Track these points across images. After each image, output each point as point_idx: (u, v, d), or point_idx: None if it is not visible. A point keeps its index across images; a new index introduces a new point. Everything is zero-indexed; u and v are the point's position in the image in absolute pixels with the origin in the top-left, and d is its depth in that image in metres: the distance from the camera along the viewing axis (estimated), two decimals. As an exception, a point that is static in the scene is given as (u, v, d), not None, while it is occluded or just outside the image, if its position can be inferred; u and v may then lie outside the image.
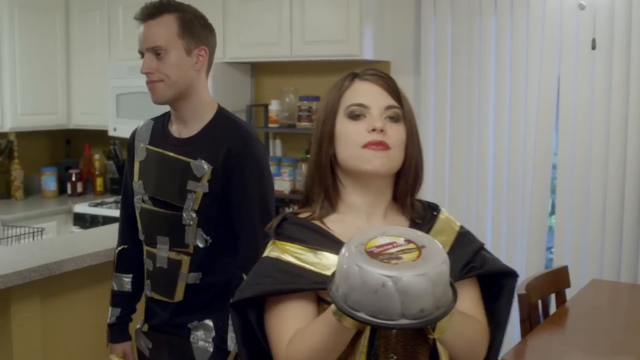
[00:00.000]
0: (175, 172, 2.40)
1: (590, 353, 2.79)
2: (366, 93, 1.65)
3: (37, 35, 5.58)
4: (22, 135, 5.78)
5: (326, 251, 1.59)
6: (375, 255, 1.35)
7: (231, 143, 2.35)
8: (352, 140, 1.62)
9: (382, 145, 1.60)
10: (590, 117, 4.31)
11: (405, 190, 1.70)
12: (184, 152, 2.39)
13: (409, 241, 1.40)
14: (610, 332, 2.99)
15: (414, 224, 1.68)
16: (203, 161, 2.35)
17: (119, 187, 2.54)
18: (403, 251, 1.37)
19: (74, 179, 5.89)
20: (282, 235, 1.66)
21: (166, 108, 2.50)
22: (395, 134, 1.63)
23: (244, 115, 5.26)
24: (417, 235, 1.42)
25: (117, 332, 2.66)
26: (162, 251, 2.45)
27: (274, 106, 5.18)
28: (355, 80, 1.69)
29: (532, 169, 4.50)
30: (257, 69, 5.51)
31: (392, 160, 1.62)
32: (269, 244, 1.68)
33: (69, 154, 6.29)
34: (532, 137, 4.49)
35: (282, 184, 5.06)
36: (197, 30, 2.40)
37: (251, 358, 1.67)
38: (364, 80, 1.67)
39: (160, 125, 2.52)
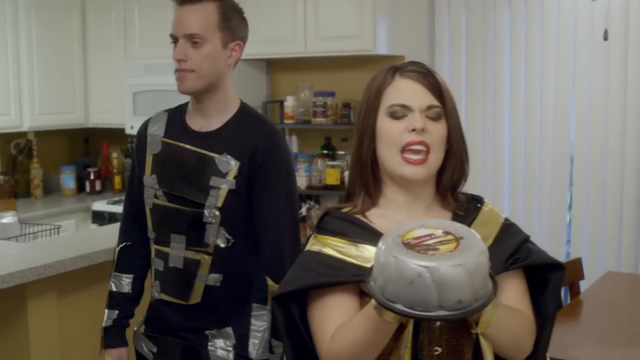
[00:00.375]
0: (197, 167, 2.29)
1: (604, 344, 2.79)
2: (407, 92, 1.64)
3: (54, 35, 5.62)
4: (40, 134, 5.83)
5: (367, 244, 1.59)
6: (412, 246, 1.35)
7: (258, 140, 2.27)
8: (392, 141, 1.63)
9: (421, 147, 1.60)
10: (606, 108, 4.30)
11: (448, 185, 1.70)
12: (205, 147, 2.29)
13: (447, 233, 1.39)
14: (625, 323, 2.98)
15: (456, 217, 1.68)
16: (229, 156, 2.26)
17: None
18: (441, 242, 1.36)
19: (92, 177, 5.93)
20: (323, 229, 1.68)
21: (181, 100, 2.44)
22: (436, 133, 1.62)
23: (260, 112, 5.26)
24: (456, 227, 1.41)
25: (113, 336, 2.51)
26: (177, 250, 2.32)
27: (289, 102, 5.19)
28: (397, 76, 1.67)
29: (550, 162, 4.49)
30: (272, 65, 5.52)
31: (430, 166, 1.63)
32: (311, 238, 1.69)
33: (87, 153, 6.33)
34: (549, 130, 4.48)
35: (298, 180, 5.05)
36: (235, 23, 2.32)
37: (295, 352, 1.68)
38: (406, 77, 1.66)
39: (176, 117, 2.40)
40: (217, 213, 2.26)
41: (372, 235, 1.60)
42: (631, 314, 3.13)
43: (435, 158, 1.63)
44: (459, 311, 1.31)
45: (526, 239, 1.69)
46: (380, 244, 1.39)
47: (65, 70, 5.74)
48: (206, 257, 2.30)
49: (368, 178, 1.69)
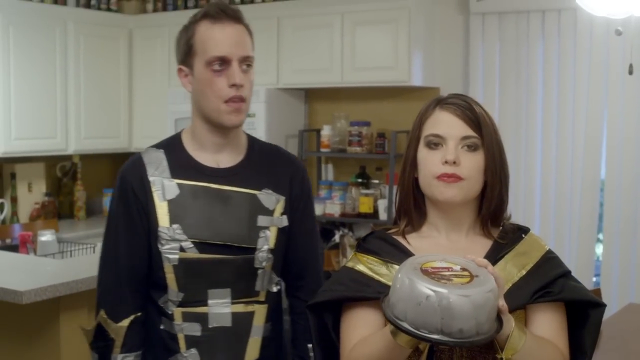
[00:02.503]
0: (238, 208, 2.03)
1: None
2: (444, 123, 1.70)
3: (101, 62, 5.81)
4: (85, 157, 6.01)
5: (398, 264, 1.63)
6: (428, 273, 1.45)
7: (292, 171, 2.14)
8: (427, 170, 1.69)
9: (453, 178, 1.65)
10: (637, 141, 4.31)
11: (486, 214, 1.74)
12: (234, 184, 2.05)
13: (464, 269, 1.48)
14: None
15: (497, 245, 1.73)
16: (270, 191, 2.07)
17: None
18: (455, 275, 1.46)
19: (133, 200, 6.08)
20: (362, 247, 1.77)
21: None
22: (471, 164, 1.67)
23: (297, 140, 5.38)
24: (474, 266, 1.50)
25: None
26: (221, 307, 2.03)
27: (325, 131, 5.30)
28: (437, 108, 1.73)
29: (581, 193, 4.50)
30: (310, 95, 5.64)
31: (465, 189, 1.67)
32: (352, 255, 1.79)
33: (130, 177, 6.48)
34: (580, 161, 4.50)
35: (333, 207, 5.16)
36: None
37: (325, 358, 1.79)
38: (444, 110, 1.71)
39: (178, 154, 2.08)
40: (270, 255, 2.06)
41: (405, 256, 1.64)
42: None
43: (470, 186, 1.67)
44: (459, 340, 1.40)
45: (564, 274, 1.71)
46: (400, 267, 1.50)
47: (111, 96, 5.92)
48: (260, 306, 2.08)
49: (410, 205, 1.76)
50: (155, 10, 6.11)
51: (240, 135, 2.12)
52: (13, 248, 4.35)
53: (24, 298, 2.95)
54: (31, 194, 5.67)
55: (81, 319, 3.21)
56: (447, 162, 1.66)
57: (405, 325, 1.42)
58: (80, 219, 5.92)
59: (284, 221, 2.08)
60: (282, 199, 2.08)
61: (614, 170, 4.40)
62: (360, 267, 1.73)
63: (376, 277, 1.69)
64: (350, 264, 1.76)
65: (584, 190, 4.49)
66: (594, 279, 4.53)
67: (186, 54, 2.03)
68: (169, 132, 5.64)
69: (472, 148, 1.68)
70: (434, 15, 5.02)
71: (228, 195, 2.03)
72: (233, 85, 1.97)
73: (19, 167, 5.57)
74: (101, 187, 6.18)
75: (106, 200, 6.05)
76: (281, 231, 2.07)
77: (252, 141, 2.16)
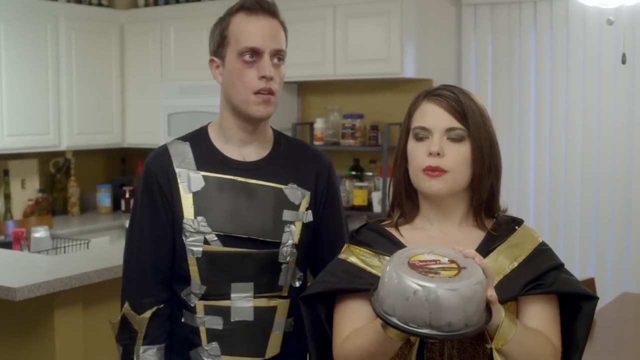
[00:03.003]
0: (264, 202, 2.03)
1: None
2: (429, 115, 1.71)
3: (93, 58, 5.80)
4: (78, 153, 6.00)
5: (389, 256, 1.64)
6: (415, 267, 1.45)
7: (318, 166, 2.13)
8: (414, 162, 1.71)
9: (437, 171, 1.67)
10: (630, 130, 4.32)
11: (477, 205, 1.74)
12: (259, 178, 2.04)
13: (452, 261, 1.48)
14: (635, 341, 2.99)
15: (490, 236, 1.73)
16: (296, 186, 2.06)
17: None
18: (443, 268, 1.46)
19: (127, 195, 6.08)
20: (355, 239, 1.79)
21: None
22: (455, 155, 1.68)
23: (290, 134, 5.37)
24: (462, 257, 1.50)
25: None
26: (244, 301, 2.02)
27: (319, 124, 5.29)
28: (424, 100, 1.74)
29: (575, 184, 4.51)
30: (303, 88, 5.63)
31: (450, 182, 1.68)
32: (345, 247, 1.80)
33: (123, 172, 6.48)
34: (573, 152, 4.50)
35: (327, 201, 5.15)
36: None
37: (319, 352, 1.80)
38: (431, 101, 1.72)
39: (204, 147, 2.09)
40: (295, 250, 2.05)
41: (397, 248, 1.65)
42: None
43: (455, 178, 1.68)
44: (448, 333, 1.40)
45: (556, 266, 1.72)
46: (388, 260, 1.51)
47: (103, 91, 5.91)
48: (282, 301, 2.07)
49: (402, 197, 1.77)
50: (146, 4, 6.09)
51: (267, 130, 2.12)
52: (7, 245, 4.35)
53: (17, 294, 2.93)
54: (24, 191, 5.66)
55: (75, 315, 3.22)
56: (431, 154, 1.67)
57: (394, 320, 1.43)
58: (74, 215, 5.91)
59: (309, 216, 2.08)
60: (308, 194, 2.08)
61: (607, 159, 4.40)
62: (353, 259, 1.74)
63: (368, 268, 1.71)
64: (343, 256, 1.77)
65: (578, 181, 4.49)
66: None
67: (219, 44, 2.04)
68: (162, 128, 5.68)
69: (457, 139, 1.68)
70: (426, 7, 5.02)
71: (253, 188, 2.03)
72: (263, 77, 1.98)
73: (12, 163, 5.56)
74: (95, 183, 6.17)
75: (100, 196, 6.05)
76: (306, 226, 2.07)
77: (279, 136, 2.16)
